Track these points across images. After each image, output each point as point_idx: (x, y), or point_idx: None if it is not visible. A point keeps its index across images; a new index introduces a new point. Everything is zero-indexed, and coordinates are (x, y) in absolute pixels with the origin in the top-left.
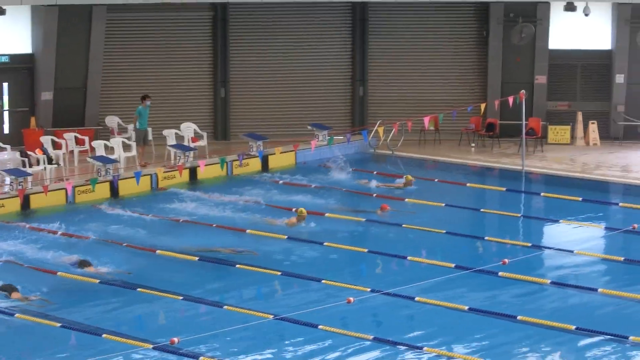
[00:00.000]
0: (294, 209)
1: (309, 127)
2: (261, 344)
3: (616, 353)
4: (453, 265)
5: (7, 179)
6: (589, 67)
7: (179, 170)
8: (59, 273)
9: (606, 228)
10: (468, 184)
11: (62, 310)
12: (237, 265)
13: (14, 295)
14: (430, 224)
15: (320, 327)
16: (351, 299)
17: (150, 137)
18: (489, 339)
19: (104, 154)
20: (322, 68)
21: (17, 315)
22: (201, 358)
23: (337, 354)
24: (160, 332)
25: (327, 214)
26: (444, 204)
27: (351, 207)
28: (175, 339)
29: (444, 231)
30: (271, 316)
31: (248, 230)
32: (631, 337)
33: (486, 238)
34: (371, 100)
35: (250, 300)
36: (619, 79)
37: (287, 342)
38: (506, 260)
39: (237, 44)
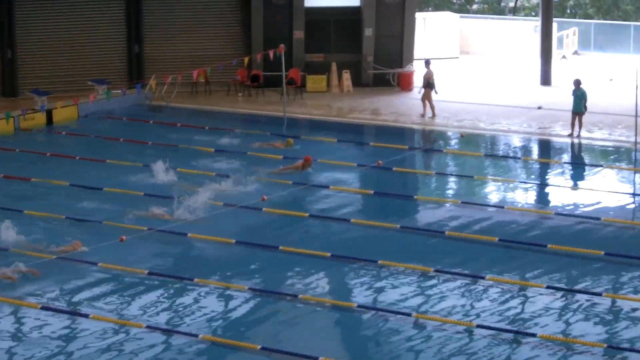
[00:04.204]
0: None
1: (89, 83)
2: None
3: (368, 274)
4: (222, 203)
5: None
6: (341, 22)
7: None
8: None
9: (358, 165)
10: (236, 130)
11: None
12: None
13: None
14: (201, 167)
15: (99, 264)
16: (124, 237)
17: None
18: (254, 265)
19: None
20: (100, 28)
21: None
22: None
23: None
24: None
25: (107, 161)
26: (213, 150)
27: (129, 153)
28: None
29: (214, 174)
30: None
31: (32, 179)
32: (380, 261)
33: (253, 178)
34: (147, 57)
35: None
36: (368, 32)
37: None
38: (265, 196)
39: (22, 10)
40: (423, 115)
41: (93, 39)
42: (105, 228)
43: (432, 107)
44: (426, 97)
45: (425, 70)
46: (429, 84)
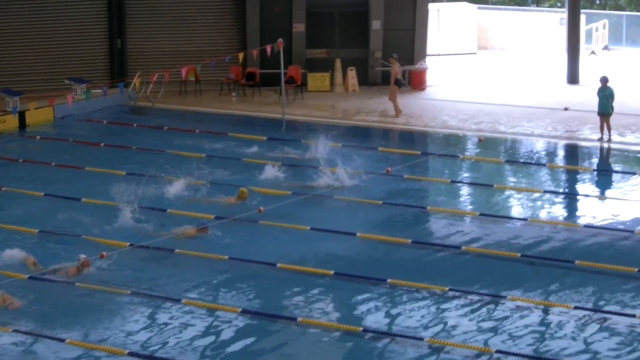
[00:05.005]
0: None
1: (67, 81)
2: None
3: (376, 294)
4: (213, 216)
5: None
6: (346, 14)
7: None
8: None
9: (365, 172)
10: (229, 134)
11: None
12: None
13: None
14: (185, 174)
15: (77, 284)
16: (104, 253)
17: None
18: (248, 284)
19: None
20: (78, 20)
21: None
22: None
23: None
24: None
25: (86, 168)
26: (204, 155)
27: (110, 160)
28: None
29: (204, 182)
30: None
31: (3, 187)
32: (389, 280)
33: (248, 187)
34: (131, 53)
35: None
36: (376, 25)
37: None
38: (262, 208)
39: None
40: (396, 115)
41: (70, 32)
42: (83, 243)
43: (396, 106)
44: (393, 95)
45: (392, 65)
46: (396, 81)
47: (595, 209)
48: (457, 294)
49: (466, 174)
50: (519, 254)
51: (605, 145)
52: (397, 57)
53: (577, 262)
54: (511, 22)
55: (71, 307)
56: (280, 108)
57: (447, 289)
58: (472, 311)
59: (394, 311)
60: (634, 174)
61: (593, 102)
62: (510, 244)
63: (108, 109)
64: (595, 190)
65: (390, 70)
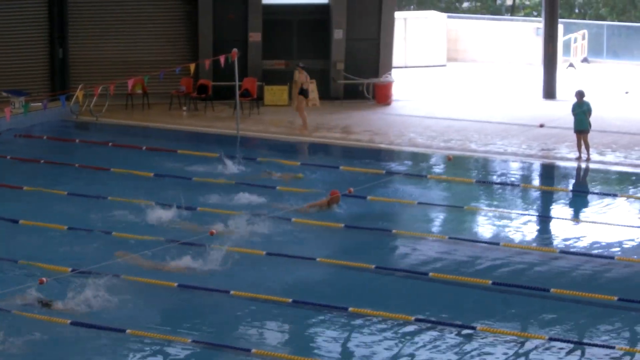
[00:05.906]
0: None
1: (4, 94)
2: None
3: (337, 323)
4: (163, 238)
5: None
6: (306, 23)
7: None
8: None
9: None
10: (179, 151)
11: None
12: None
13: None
14: (131, 194)
15: (14, 311)
16: (44, 279)
17: None
18: (200, 313)
19: None
20: (16, 27)
21: None
22: None
23: None
24: None
25: (25, 188)
26: (152, 174)
27: (50, 179)
28: None
29: (153, 203)
30: None
31: None
32: (351, 308)
33: (199, 209)
34: (73, 63)
35: None
36: (338, 34)
37: None
38: (214, 231)
39: None
40: (304, 128)
41: (7, 39)
42: (20, 268)
43: (304, 118)
44: (299, 106)
45: (298, 75)
46: (302, 91)
47: (573, 233)
48: (423, 324)
49: (434, 195)
50: (490, 282)
51: (584, 164)
52: (303, 66)
53: (552, 290)
54: (483, 32)
55: (7, 337)
56: (235, 123)
57: (412, 318)
58: (439, 343)
59: (355, 342)
60: (615, 195)
61: (571, 118)
62: (481, 270)
63: (48, 123)
64: (573, 213)
65: (296, 80)
